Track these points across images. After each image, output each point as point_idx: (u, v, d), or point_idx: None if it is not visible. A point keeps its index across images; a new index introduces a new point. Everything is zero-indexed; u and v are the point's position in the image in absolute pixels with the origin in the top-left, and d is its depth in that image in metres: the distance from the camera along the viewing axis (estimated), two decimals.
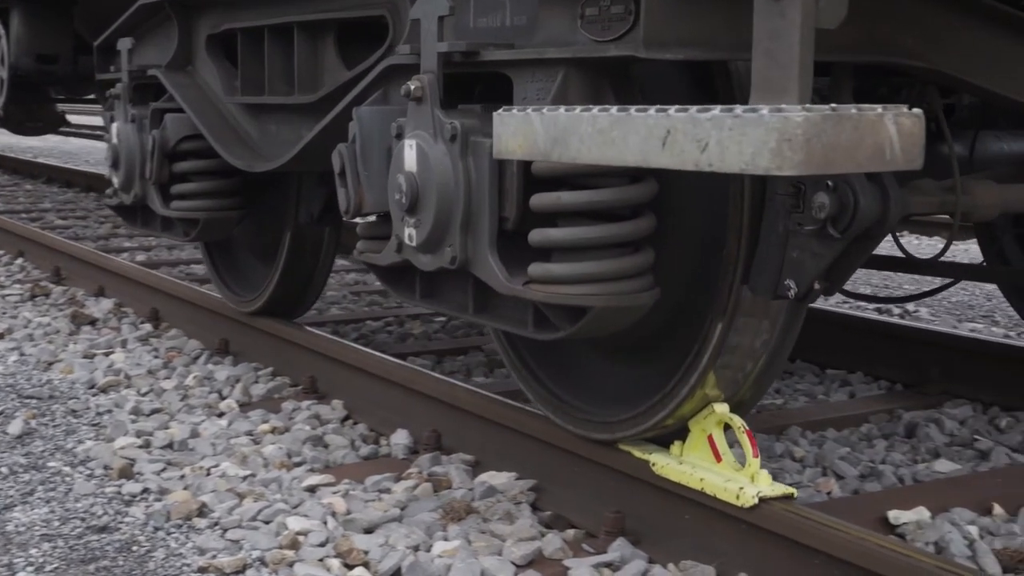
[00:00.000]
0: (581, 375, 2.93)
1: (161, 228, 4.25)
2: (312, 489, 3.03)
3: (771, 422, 3.47)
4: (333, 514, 2.83)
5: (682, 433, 2.61)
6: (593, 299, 2.28)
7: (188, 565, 2.62)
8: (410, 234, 2.57)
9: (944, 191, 2.49)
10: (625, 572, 2.51)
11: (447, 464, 3.16)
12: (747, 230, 2.41)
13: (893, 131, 1.75)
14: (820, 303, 5.08)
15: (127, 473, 3.19)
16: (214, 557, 2.64)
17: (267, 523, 2.82)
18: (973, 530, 2.69)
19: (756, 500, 2.37)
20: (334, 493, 2.98)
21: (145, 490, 3.07)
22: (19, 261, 6.84)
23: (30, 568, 2.60)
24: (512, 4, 2.46)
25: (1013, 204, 2.66)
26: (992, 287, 6.28)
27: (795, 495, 2.43)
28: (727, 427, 2.54)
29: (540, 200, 2.31)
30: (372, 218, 2.84)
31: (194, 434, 3.53)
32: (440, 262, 2.52)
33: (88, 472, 3.25)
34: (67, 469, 3.28)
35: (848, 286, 6.50)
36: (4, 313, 5.40)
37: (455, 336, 4.78)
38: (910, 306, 5.81)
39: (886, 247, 3.56)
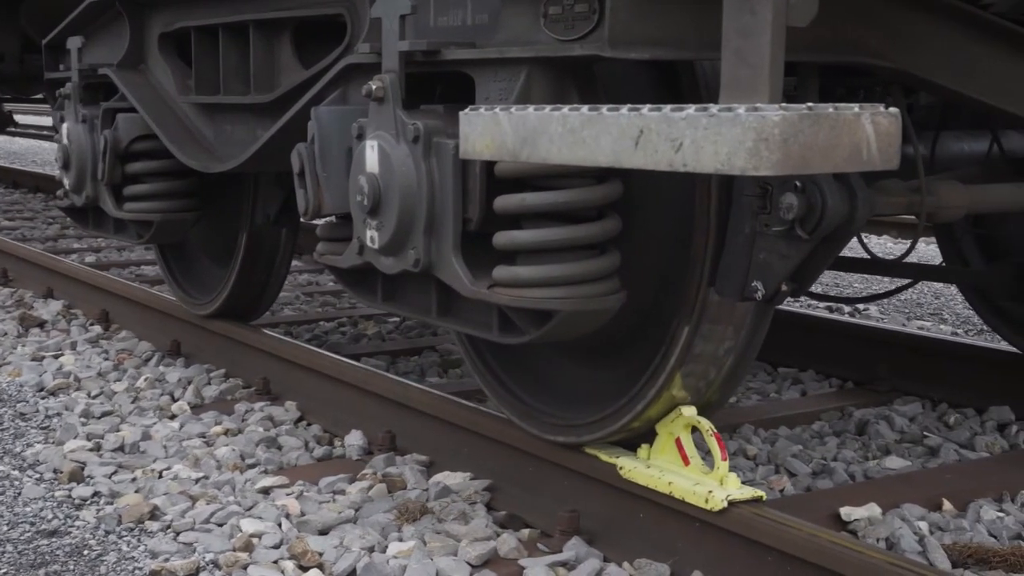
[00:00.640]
0: (545, 378, 2.92)
1: (114, 230, 4.20)
2: (266, 491, 3.01)
3: (724, 420, 3.49)
4: (287, 516, 2.82)
5: (650, 436, 2.61)
6: (559, 303, 2.26)
7: (140, 569, 2.60)
8: (372, 236, 2.54)
9: (911, 192, 2.49)
10: (580, 571, 2.52)
11: (401, 465, 3.15)
12: (714, 232, 2.40)
13: (870, 131, 1.74)
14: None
15: (77, 476, 3.16)
16: (167, 560, 2.61)
17: (220, 525, 2.80)
18: (923, 526, 2.72)
19: (725, 504, 2.37)
20: (288, 495, 2.96)
21: (96, 493, 3.04)
22: None
23: None
24: (473, 2, 2.43)
25: (979, 205, 2.66)
26: (940, 285, 6.36)
27: (764, 498, 2.42)
28: (695, 430, 2.54)
29: (504, 202, 2.29)
30: (332, 219, 2.81)
31: (146, 436, 3.50)
32: (403, 265, 2.49)
33: (37, 476, 3.22)
34: (16, 473, 3.24)
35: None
36: None
37: (409, 337, 4.78)
38: (860, 304, 5.87)
39: (848, 246, 3.57)
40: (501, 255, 2.33)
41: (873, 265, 3.45)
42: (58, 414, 3.80)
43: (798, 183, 2.14)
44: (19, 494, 3.06)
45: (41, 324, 5.09)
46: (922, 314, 5.73)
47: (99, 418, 3.73)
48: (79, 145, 4.10)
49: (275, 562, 2.59)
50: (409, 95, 2.49)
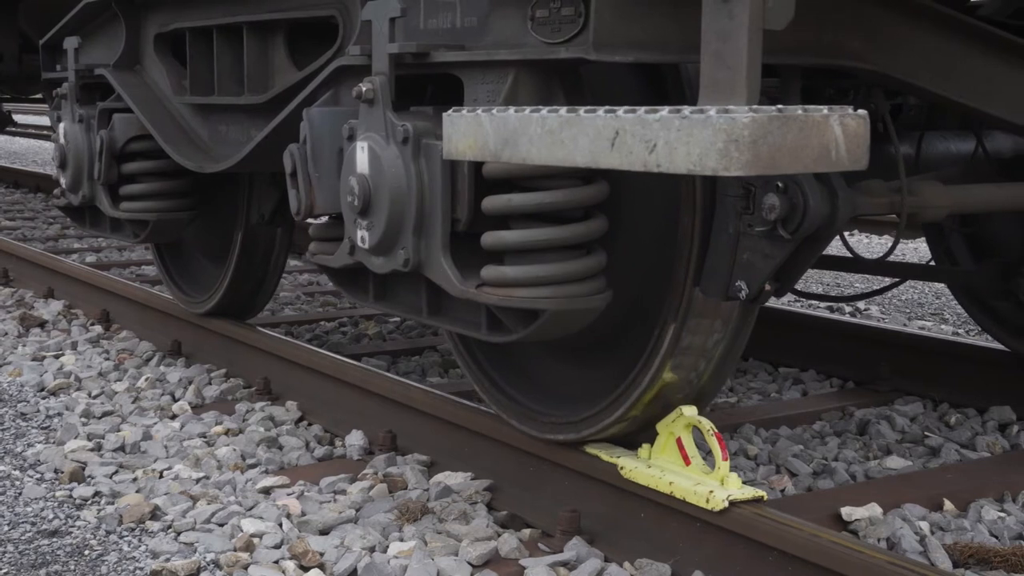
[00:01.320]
0: (534, 376, 2.94)
1: (110, 229, 4.21)
2: (266, 491, 3.01)
3: (725, 420, 3.49)
4: (288, 516, 2.82)
5: (649, 435, 2.62)
6: (546, 302, 2.28)
7: (141, 569, 2.60)
8: (363, 236, 2.56)
9: (892, 192, 2.52)
10: (581, 571, 2.52)
11: (402, 465, 3.15)
12: (698, 232, 2.42)
13: (839, 132, 1.77)
14: (772, 302, 5.12)
15: (78, 476, 3.16)
16: (167, 560, 2.61)
17: (221, 525, 2.80)
18: (924, 526, 2.72)
19: (726, 504, 2.37)
20: (289, 495, 2.96)
21: (97, 493, 3.04)
22: None
23: None
24: (463, 5, 2.45)
25: (960, 205, 2.69)
26: (941, 285, 6.36)
27: (765, 498, 2.42)
28: (696, 430, 2.54)
29: (492, 202, 2.31)
30: (324, 219, 2.82)
31: (146, 436, 3.50)
32: (393, 264, 2.51)
33: (38, 476, 3.22)
34: (16, 473, 3.24)
35: (800, 285, 6.58)
36: None
37: (410, 336, 4.78)
38: (860, 304, 5.87)
39: (837, 246, 3.60)
40: (489, 255, 2.35)
41: (859, 264, 3.47)
42: (59, 414, 3.80)
43: (780, 184, 2.18)
44: (20, 494, 3.06)
45: (42, 324, 5.09)
46: (923, 314, 5.73)
47: (100, 418, 3.73)
48: (76, 145, 4.11)
49: (276, 562, 2.59)
50: (400, 96, 2.51)
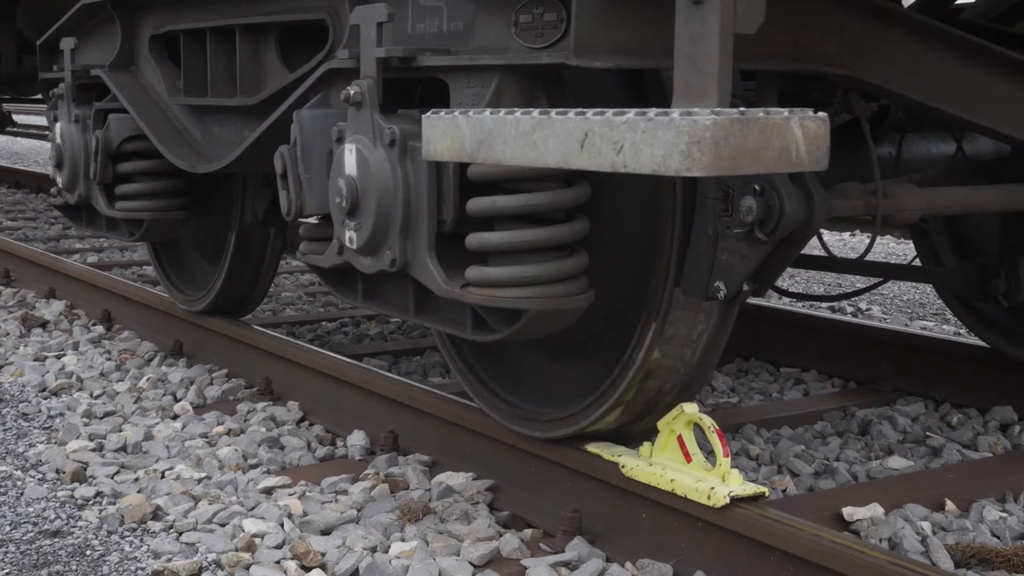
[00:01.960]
0: (520, 373, 2.97)
1: (106, 228, 4.25)
2: (268, 491, 3.01)
3: (727, 420, 3.49)
4: (289, 516, 2.82)
5: (650, 434, 2.63)
6: (529, 302, 2.33)
7: (143, 569, 2.60)
8: (351, 237, 2.60)
9: (868, 194, 2.58)
10: (582, 571, 2.52)
11: (404, 465, 3.15)
12: (679, 234, 2.47)
13: (799, 134, 1.81)
14: (774, 302, 5.12)
15: (80, 477, 3.16)
16: (169, 560, 2.61)
17: (223, 526, 2.80)
18: (926, 526, 2.72)
19: (727, 500, 2.38)
20: (290, 495, 2.96)
21: (98, 494, 3.04)
22: None
23: None
24: (449, 10, 2.50)
25: (934, 207, 2.75)
26: None
27: (766, 494, 2.43)
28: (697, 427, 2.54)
29: (476, 204, 2.35)
30: (314, 220, 2.86)
31: (148, 437, 3.50)
32: (380, 265, 2.55)
33: (40, 476, 3.22)
34: (18, 473, 3.24)
35: (801, 286, 6.57)
36: None
37: (411, 337, 4.78)
38: (862, 304, 5.87)
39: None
40: (474, 256, 2.39)
41: (840, 264, 3.54)
42: (60, 414, 3.80)
43: (757, 187, 2.25)
44: (22, 494, 3.06)
45: (43, 324, 5.09)
46: (925, 314, 5.73)
47: (101, 418, 3.73)
48: (72, 144, 4.15)
49: (277, 562, 2.59)
50: (390, 99, 2.55)
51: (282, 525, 2.76)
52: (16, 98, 9.89)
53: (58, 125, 4.24)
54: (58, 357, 4.51)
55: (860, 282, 6.65)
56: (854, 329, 4.23)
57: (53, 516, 2.90)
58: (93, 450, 3.39)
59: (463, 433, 3.07)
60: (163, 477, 3.17)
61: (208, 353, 4.32)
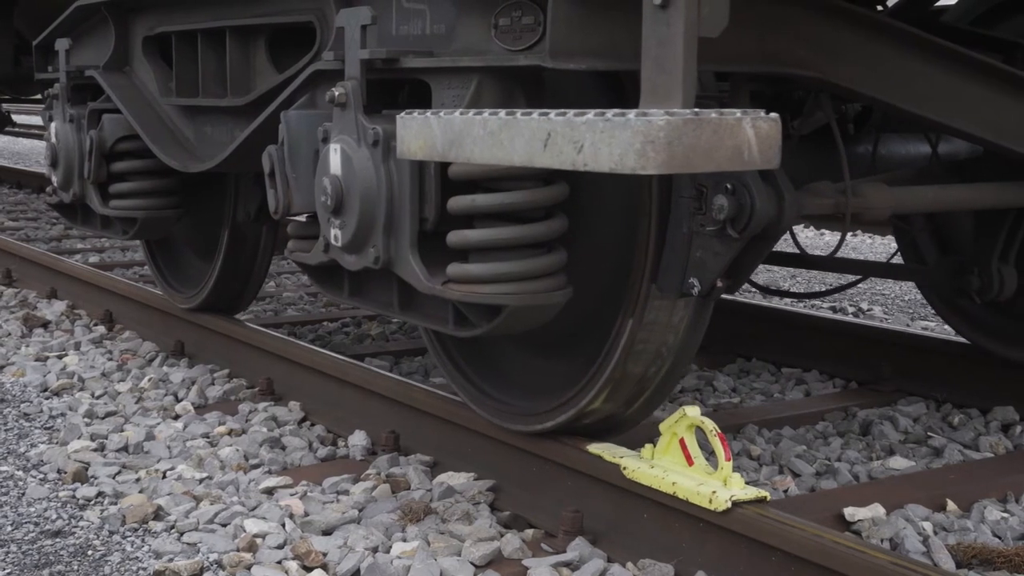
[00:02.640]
0: (502, 367, 3.02)
1: (100, 226, 4.29)
2: (269, 491, 3.01)
3: (728, 420, 3.49)
4: (291, 516, 2.82)
5: (653, 437, 2.63)
6: (507, 298, 2.38)
7: (144, 569, 2.60)
8: (336, 235, 2.65)
9: (838, 193, 2.65)
10: (584, 571, 2.52)
11: (405, 465, 3.15)
12: (655, 232, 2.52)
13: (751, 134, 1.86)
14: (776, 302, 5.13)
15: (81, 477, 3.16)
16: (170, 560, 2.62)
17: (224, 526, 2.80)
18: (927, 526, 2.72)
19: (729, 504, 2.38)
20: (292, 495, 2.96)
21: (100, 494, 3.05)
22: None
23: None
24: (432, 13, 2.55)
25: (903, 205, 2.83)
26: None
27: (768, 499, 2.43)
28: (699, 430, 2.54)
29: (457, 202, 2.40)
30: (302, 218, 2.91)
31: (149, 437, 3.50)
32: (364, 262, 2.60)
33: (41, 476, 3.22)
34: (20, 473, 3.24)
35: (802, 286, 6.57)
36: None
37: (412, 337, 4.77)
38: (864, 304, 5.87)
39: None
40: (455, 253, 2.45)
41: (819, 262, 3.60)
42: (62, 414, 3.80)
43: (729, 186, 2.33)
44: (23, 494, 3.06)
45: (45, 324, 5.10)
46: (926, 314, 5.72)
47: (103, 418, 3.73)
48: (67, 144, 4.19)
49: (279, 562, 2.59)
50: (375, 100, 2.60)
51: (283, 525, 2.76)
52: (15, 98, 9.90)
53: (53, 125, 4.29)
54: (59, 357, 4.51)
55: (862, 282, 6.64)
56: (855, 329, 4.23)
57: (54, 516, 2.90)
58: (95, 450, 3.39)
59: (464, 433, 3.08)
60: (164, 477, 3.17)
61: (209, 353, 4.32)
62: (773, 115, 1.89)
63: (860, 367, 4.03)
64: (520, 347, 3.00)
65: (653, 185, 2.51)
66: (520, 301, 2.39)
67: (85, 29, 4.27)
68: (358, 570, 2.54)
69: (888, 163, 3.42)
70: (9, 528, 2.83)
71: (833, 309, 5.56)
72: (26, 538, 2.78)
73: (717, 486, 2.41)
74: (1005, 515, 2.83)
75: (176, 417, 3.74)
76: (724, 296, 5.03)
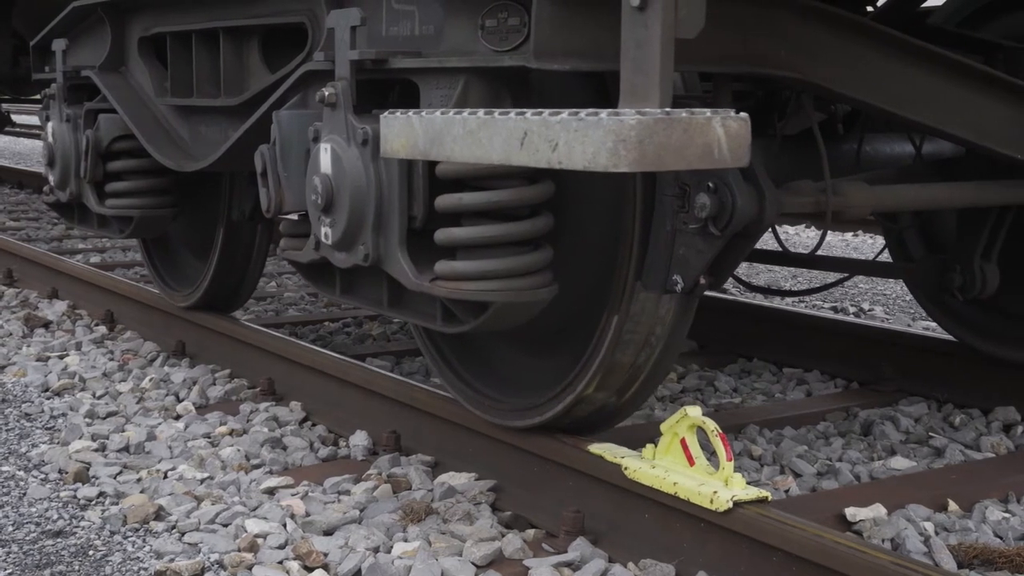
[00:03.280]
0: (493, 364, 3.05)
1: (97, 225, 4.31)
2: (270, 491, 3.01)
3: (729, 421, 3.49)
4: (292, 516, 2.82)
5: (654, 437, 2.63)
6: (494, 295, 2.42)
7: (145, 569, 2.60)
8: (326, 233, 2.68)
9: (819, 192, 2.68)
10: (585, 571, 2.52)
11: (406, 465, 3.15)
12: (639, 230, 2.56)
13: (721, 133, 1.89)
14: (777, 302, 5.13)
15: (82, 477, 3.16)
16: (172, 560, 2.62)
17: (225, 526, 2.80)
18: (929, 526, 2.72)
19: (730, 504, 2.38)
20: (293, 495, 2.97)
21: (101, 494, 3.05)
22: None
23: None
24: (421, 14, 2.58)
25: (882, 204, 2.87)
26: None
27: (769, 499, 2.43)
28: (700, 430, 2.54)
29: (444, 201, 2.44)
30: (294, 217, 2.93)
31: (151, 437, 3.50)
32: (354, 259, 2.63)
33: (42, 476, 3.22)
34: (21, 473, 3.24)
35: (802, 284, 6.57)
36: None
37: (414, 337, 4.77)
38: (865, 304, 5.87)
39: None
40: (443, 251, 2.49)
41: (802, 260, 3.66)
42: (63, 414, 3.80)
43: (711, 184, 2.38)
44: (24, 494, 3.06)
45: (46, 324, 5.10)
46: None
47: (104, 418, 3.73)
48: (63, 144, 4.21)
49: (280, 562, 2.59)
50: (365, 100, 2.63)
51: (284, 525, 2.76)
52: (15, 98, 9.91)
53: (50, 124, 4.31)
54: (61, 357, 4.52)
55: (863, 283, 6.65)
56: (856, 329, 4.23)
57: (56, 516, 2.90)
58: (96, 450, 3.39)
59: (465, 433, 3.08)
60: (166, 477, 3.17)
61: (211, 353, 4.32)
62: (743, 114, 1.92)
63: (861, 367, 4.03)
64: (511, 343, 3.03)
65: (637, 184, 2.54)
66: (506, 298, 2.43)
67: (82, 30, 4.29)
68: (359, 570, 2.54)
69: (873, 162, 3.45)
70: (10, 528, 2.83)
71: (834, 309, 5.56)
72: (27, 538, 2.78)
73: (718, 486, 2.41)
74: (1006, 515, 2.83)
75: (177, 417, 3.74)
76: (724, 296, 5.05)
